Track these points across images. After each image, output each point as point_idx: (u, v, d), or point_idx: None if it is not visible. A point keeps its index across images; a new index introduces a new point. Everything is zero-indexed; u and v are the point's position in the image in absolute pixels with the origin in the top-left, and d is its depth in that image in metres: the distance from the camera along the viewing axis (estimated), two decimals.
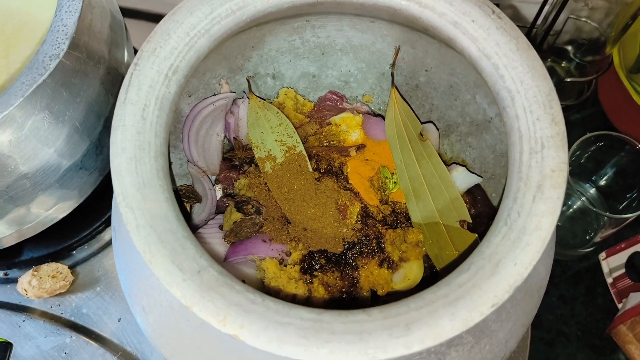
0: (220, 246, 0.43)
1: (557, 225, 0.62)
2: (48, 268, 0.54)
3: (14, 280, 0.54)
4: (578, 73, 0.67)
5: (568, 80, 0.66)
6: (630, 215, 0.54)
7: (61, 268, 0.54)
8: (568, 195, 0.62)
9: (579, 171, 0.62)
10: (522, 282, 0.29)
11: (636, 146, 0.58)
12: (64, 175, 0.48)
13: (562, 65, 0.68)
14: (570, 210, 0.63)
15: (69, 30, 0.42)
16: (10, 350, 0.51)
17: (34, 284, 0.52)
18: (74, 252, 0.57)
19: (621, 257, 0.62)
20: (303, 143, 0.45)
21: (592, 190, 0.64)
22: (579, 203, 0.62)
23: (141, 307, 0.37)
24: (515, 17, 0.71)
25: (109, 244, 0.57)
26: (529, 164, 0.32)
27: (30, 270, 0.53)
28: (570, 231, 0.63)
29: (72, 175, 0.48)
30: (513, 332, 0.37)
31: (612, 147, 0.60)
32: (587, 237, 0.61)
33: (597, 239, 0.60)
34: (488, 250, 0.30)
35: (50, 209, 0.49)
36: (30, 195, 0.47)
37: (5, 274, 0.56)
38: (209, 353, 0.33)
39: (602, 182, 0.64)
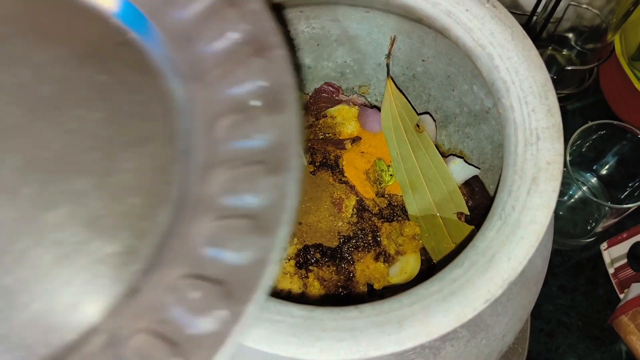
0: None
1: (558, 215, 0.61)
2: None
3: None
4: (579, 61, 0.66)
5: (569, 68, 0.65)
6: (632, 205, 0.54)
7: None
8: (569, 185, 0.62)
9: (579, 160, 0.61)
10: (516, 276, 0.28)
11: (637, 135, 0.57)
12: None
13: (563, 53, 0.67)
14: (571, 200, 0.62)
15: None
16: None
17: None
18: None
19: (623, 247, 0.61)
20: None
21: (593, 180, 0.64)
22: (579, 193, 0.61)
23: None
24: (515, 5, 0.70)
25: None
26: (524, 156, 0.31)
27: None
28: (571, 221, 0.62)
29: None
30: (510, 326, 0.36)
31: (613, 136, 0.60)
32: (588, 227, 0.61)
33: (599, 228, 0.59)
34: (482, 245, 0.29)
35: None
36: None
37: None
38: None
39: (604, 172, 0.63)
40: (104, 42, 0.27)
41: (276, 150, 0.23)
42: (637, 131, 0.57)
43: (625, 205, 0.54)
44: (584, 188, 0.61)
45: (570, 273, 0.64)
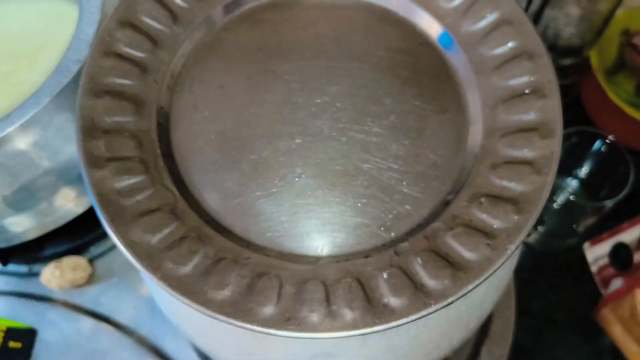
0: None
1: (545, 219, 0.72)
2: (69, 261, 0.61)
3: (38, 274, 0.62)
4: (560, 75, 0.79)
5: None
6: (608, 202, 0.63)
7: (81, 261, 0.62)
8: (554, 190, 0.71)
9: (561, 167, 0.69)
10: None
11: (607, 137, 0.67)
12: None
13: None
14: (555, 204, 0.72)
15: (89, 39, 0.50)
16: (35, 336, 0.58)
17: (56, 275, 0.60)
18: (92, 247, 0.64)
19: (604, 247, 0.70)
20: None
21: (574, 183, 0.73)
22: (562, 196, 0.70)
23: None
24: None
25: None
26: None
27: (53, 262, 0.61)
28: (557, 224, 0.72)
29: None
30: (488, 294, 0.43)
31: (588, 141, 0.69)
32: (573, 227, 0.70)
33: (581, 229, 0.69)
34: None
35: (71, 202, 0.56)
36: (54, 189, 0.53)
37: (30, 269, 0.63)
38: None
39: (583, 175, 0.73)
40: (411, 43, 0.39)
41: (546, 122, 0.36)
42: (607, 134, 0.66)
43: (601, 203, 0.63)
44: (566, 191, 0.71)
45: (557, 273, 0.72)
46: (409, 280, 0.32)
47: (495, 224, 0.33)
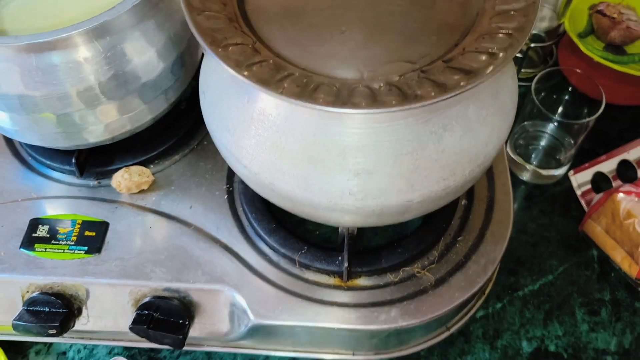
0: None
1: (536, 157, 0.85)
2: (136, 168, 0.72)
3: (106, 186, 0.72)
4: (540, 40, 0.95)
5: (532, 45, 0.92)
6: (582, 121, 0.77)
7: (145, 169, 0.72)
8: (540, 135, 0.87)
9: (542, 113, 0.80)
10: None
11: (576, 72, 0.82)
12: (160, 74, 0.65)
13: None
14: (541, 146, 0.86)
15: None
16: (107, 227, 0.68)
17: (125, 177, 0.70)
18: (152, 165, 0.74)
19: (586, 175, 0.82)
20: None
21: (553, 125, 0.86)
22: (546, 138, 0.86)
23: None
24: None
25: (178, 159, 0.75)
26: None
27: (123, 168, 0.71)
28: (545, 161, 0.85)
29: (165, 77, 0.66)
30: (491, 137, 0.51)
31: (562, 86, 0.84)
32: (558, 159, 0.84)
33: (563, 158, 0.82)
34: None
35: (147, 102, 0.66)
36: (136, 84, 0.63)
37: (99, 182, 0.73)
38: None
39: (559, 117, 0.85)
40: None
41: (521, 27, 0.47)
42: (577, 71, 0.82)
43: (574, 122, 0.78)
44: (548, 132, 0.85)
45: (548, 201, 0.83)
46: (433, 82, 0.43)
47: (494, 47, 0.45)
